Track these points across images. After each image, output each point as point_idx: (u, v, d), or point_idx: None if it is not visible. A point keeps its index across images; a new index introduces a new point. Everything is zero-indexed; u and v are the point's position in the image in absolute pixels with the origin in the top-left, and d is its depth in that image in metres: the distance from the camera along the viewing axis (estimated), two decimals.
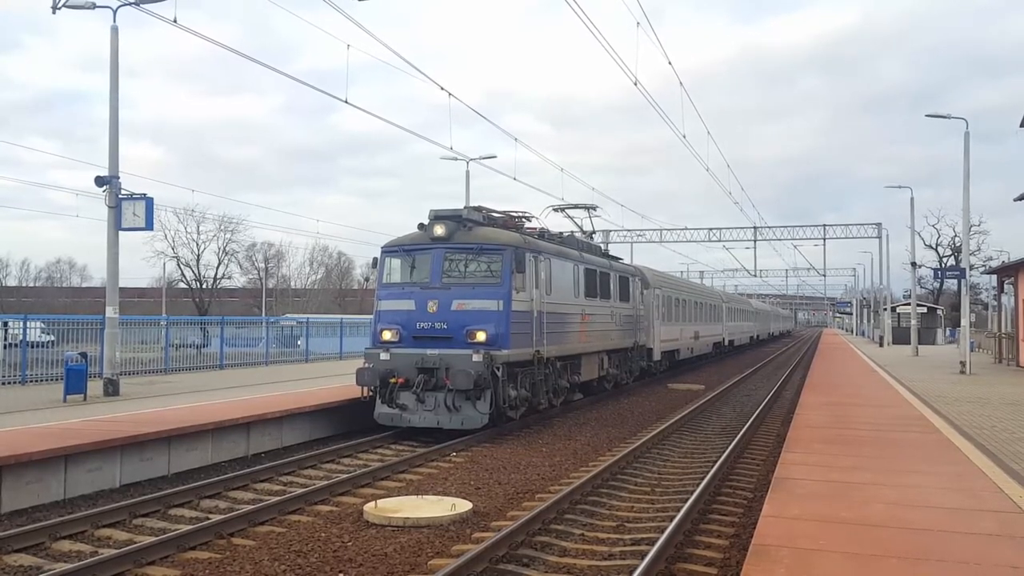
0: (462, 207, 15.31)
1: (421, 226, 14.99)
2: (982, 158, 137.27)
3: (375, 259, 15.52)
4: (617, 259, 24.41)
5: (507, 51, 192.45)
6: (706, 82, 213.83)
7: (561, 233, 19.23)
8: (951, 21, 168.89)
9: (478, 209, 15.78)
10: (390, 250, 15.16)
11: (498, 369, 13.63)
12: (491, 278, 14.26)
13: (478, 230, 14.79)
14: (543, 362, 15.62)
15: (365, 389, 14.29)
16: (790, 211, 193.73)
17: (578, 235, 21.48)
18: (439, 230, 14.53)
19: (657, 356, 25.97)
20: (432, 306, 14.11)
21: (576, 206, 22.26)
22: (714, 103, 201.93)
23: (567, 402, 17.99)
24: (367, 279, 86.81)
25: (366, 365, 14.24)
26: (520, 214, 17.31)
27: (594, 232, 23.20)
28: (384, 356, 14.09)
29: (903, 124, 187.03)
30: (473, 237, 14.55)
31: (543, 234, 17.49)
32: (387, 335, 14.37)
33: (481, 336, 13.78)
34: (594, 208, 22.31)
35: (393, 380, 13.81)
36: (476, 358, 13.42)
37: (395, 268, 15.04)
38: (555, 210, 21.95)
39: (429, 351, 13.83)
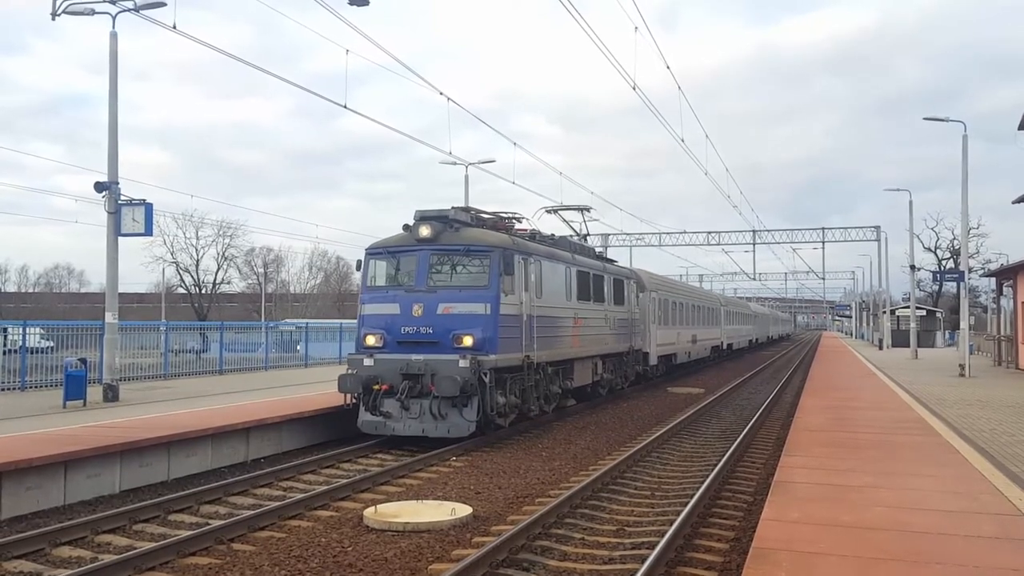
0: (449, 208, 14.81)
1: (406, 227, 14.56)
2: (993, 159, 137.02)
3: (359, 261, 15.05)
4: (612, 261, 24.02)
5: (518, 53, 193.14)
6: (721, 83, 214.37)
7: (553, 235, 18.70)
8: (969, 21, 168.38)
9: (466, 210, 15.34)
10: (374, 252, 14.72)
11: (485, 375, 13.20)
12: (478, 281, 13.83)
13: (465, 231, 14.34)
14: (534, 367, 15.17)
15: (348, 396, 13.85)
16: (798, 214, 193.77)
17: (573, 237, 21.05)
18: (424, 231, 14.07)
19: (653, 360, 25.56)
20: (417, 310, 13.67)
21: (569, 207, 21.83)
22: (729, 105, 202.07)
23: (560, 408, 17.59)
24: None
25: (349, 371, 13.86)
26: (510, 215, 16.90)
27: (588, 234, 22.74)
28: (368, 362, 13.70)
29: (917, 125, 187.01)
30: (460, 238, 14.11)
31: (534, 236, 17.10)
32: (371, 340, 13.92)
33: (468, 341, 13.31)
34: (588, 209, 21.88)
35: (377, 387, 13.37)
36: (463, 364, 13.04)
37: (380, 271, 14.63)
38: (548, 211, 21.49)
39: (414, 357, 13.41)
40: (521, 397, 14.89)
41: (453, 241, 14.09)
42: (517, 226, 16.75)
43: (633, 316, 23.28)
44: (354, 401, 13.82)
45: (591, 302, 19.10)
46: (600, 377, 20.27)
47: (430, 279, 13.92)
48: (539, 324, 15.30)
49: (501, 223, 16.16)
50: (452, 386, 12.78)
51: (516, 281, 14.35)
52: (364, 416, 13.61)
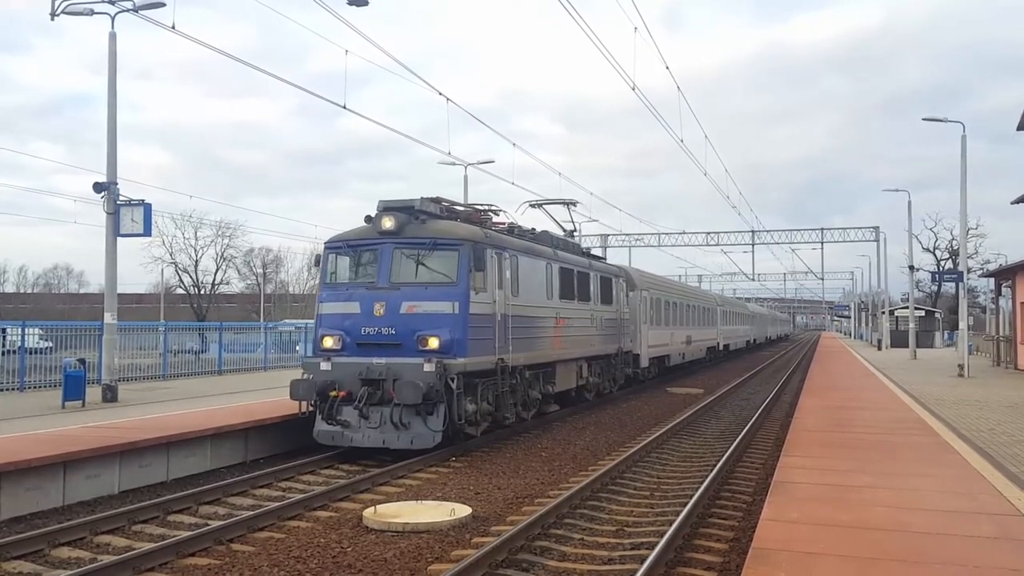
0: (417, 198, 13.67)
1: (368, 218, 13.40)
2: (996, 158, 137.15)
3: (317, 256, 13.91)
4: (599, 258, 23.13)
5: (521, 53, 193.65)
6: (725, 82, 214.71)
7: (533, 229, 17.46)
8: (973, 20, 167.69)
9: (435, 200, 14.13)
10: (333, 246, 13.61)
11: (453, 380, 12.13)
12: (446, 277, 12.72)
13: (432, 223, 13.28)
14: (508, 371, 14.02)
15: (303, 404, 12.73)
16: (799, 214, 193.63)
17: (560, 233, 19.84)
18: (388, 223, 12.93)
19: (645, 363, 24.57)
20: (379, 309, 12.59)
21: (554, 201, 20.82)
22: (732, 104, 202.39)
23: (541, 414, 16.64)
24: None
25: (303, 376, 12.75)
26: (486, 207, 15.86)
27: (575, 231, 21.79)
28: (325, 366, 12.57)
29: (919, 125, 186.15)
30: (426, 231, 13.00)
31: (512, 229, 16.00)
32: (328, 342, 12.84)
33: (434, 343, 12.27)
34: (574, 204, 21.05)
35: (334, 393, 12.30)
36: (427, 368, 11.96)
37: (339, 266, 13.53)
38: (532, 206, 20.73)
39: (375, 360, 12.33)
40: (495, 404, 13.83)
41: (419, 234, 12.99)
42: (495, 219, 15.78)
43: (622, 316, 22.23)
44: (311, 409, 12.78)
45: (575, 301, 18.01)
46: (586, 381, 19.22)
47: (393, 275, 12.85)
48: (515, 324, 14.24)
49: (476, 215, 15.12)
50: (414, 392, 11.72)
51: (488, 277, 13.27)
52: (320, 426, 12.56)
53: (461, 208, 15.02)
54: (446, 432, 12.28)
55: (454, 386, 12.19)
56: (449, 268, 12.78)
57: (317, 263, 13.93)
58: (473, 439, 13.38)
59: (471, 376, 12.85)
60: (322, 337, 13.03)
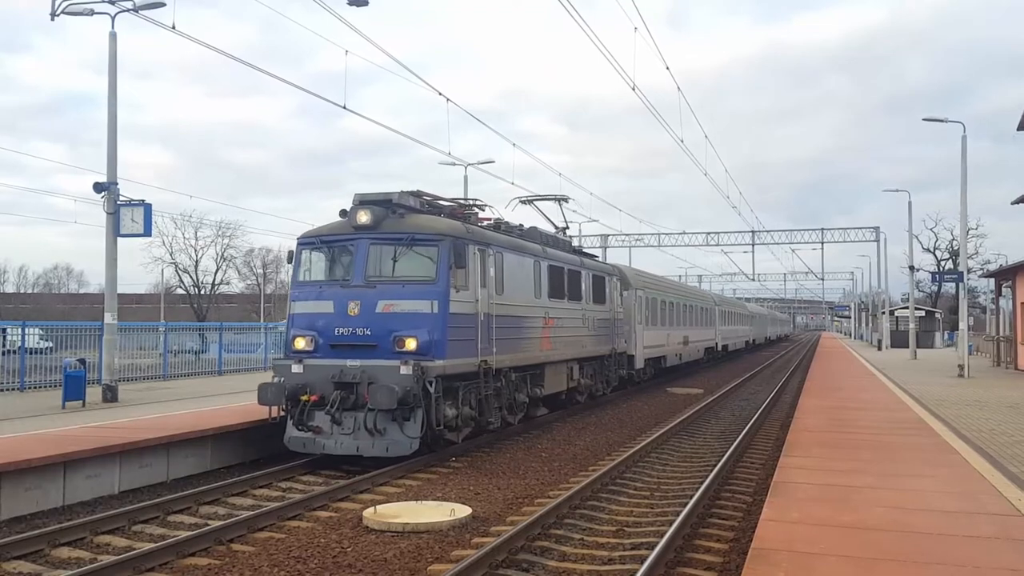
0: (396, 191, 13.04)
1: (344, 212, 12.84)
2: (998, 157, 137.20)
3: (291, 253, 13.22)
4: (591, 256, 22.67)
5: (524, 53, 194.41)
6: (729, 82, 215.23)
7: (521, 225, 16.77)
8: (977, 19, 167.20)
9: (416, 194, 13.47)
10: (307, 242, 13.00)
11: (431, 383, 11.52)
12: (424, 275, 12.12)
13: (411, 218, 12.62)
14: (492, 374, 13.45)
15: (274, 409, 12.06)
16: (801, 214, 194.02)
17: (551, 230, 19.27)
18: (364, 217, 12.34)
19: (640, 364, 23.96)
20: (354, 308, 11.98)
21: (545, 197, 20.32)
22: (736, 103, 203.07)
23: (528, 418, 16.01)
24: None
25: (273, 379, 12.12)
26: (472, 201, 15.36)
27: (567, 227, 20.99)
28: (296, 368, 11.94)
29: (921, 125, 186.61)
30: (404, 226, 12.37)
31: (499, 225, 15.40)
32: (300, 343, 12.24)
33: (411, 344, 11.69)
34: (566, 200, 20.53)
35: (305, 397, 11.70)
36: (404, 370, 11.34)
37: (313, 263, 12.94)
38: (523, 202, 20.31)
39: (349, 362, 11.71)
40: (478, 408, 13.21)
41: (396, 229, 12.35)
42: (480, 214, 15.16)
43: (616, 316, 21.57)
44: (282, 414, 12.11)
45: (565, 300, 17.31)
46: (577, 383, 18.50)
47: (369, 273, 12.24)
48: (499, 324, 13.61)
49: (459, 210, 14.49)
50: (389, 397, 11.09)
51: (470, 275, 12.68)
52: (291, 432, 11.93)
53: (444, 202, 14.42)
54: (424, 438, 11.72)
55: (432, 390, 11.58)
56: (428, 265, 12.19)
57: (291, 260, 13.24)
58: (454, 445, 12.87)
59: (451, 379, 12.27)
60: (294, 338, 12.47)
